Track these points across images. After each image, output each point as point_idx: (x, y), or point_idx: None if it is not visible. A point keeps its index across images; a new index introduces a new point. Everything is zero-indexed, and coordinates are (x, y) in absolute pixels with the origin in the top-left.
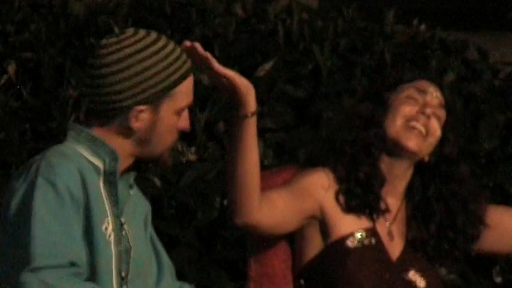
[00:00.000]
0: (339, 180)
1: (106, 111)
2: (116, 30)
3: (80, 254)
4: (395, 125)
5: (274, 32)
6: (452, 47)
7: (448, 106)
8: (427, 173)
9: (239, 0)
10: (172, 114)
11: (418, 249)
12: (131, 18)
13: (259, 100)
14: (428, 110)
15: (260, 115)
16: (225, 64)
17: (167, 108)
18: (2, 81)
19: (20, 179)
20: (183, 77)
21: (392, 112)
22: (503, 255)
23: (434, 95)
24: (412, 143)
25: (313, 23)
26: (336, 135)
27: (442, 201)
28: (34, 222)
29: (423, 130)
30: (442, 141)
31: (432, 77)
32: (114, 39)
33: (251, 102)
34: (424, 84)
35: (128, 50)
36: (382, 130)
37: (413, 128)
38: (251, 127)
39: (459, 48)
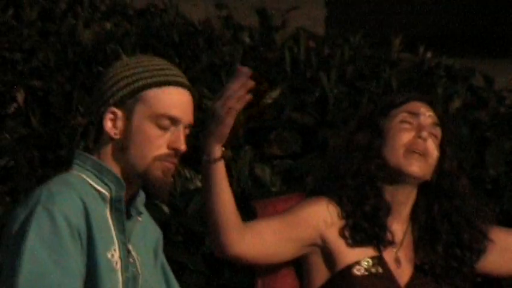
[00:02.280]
0: (344, 214)
1: (95, 128)
2: (124, 57)
3: (67, 284)
4: (395, 155)
5: (281, 60)
6: (458, 74)
7: (442, 122)
8: (430, 192)
9: (246, 29)
10: (146, 121)
11: (426, 273)
12: (139, 46)
13: (268, 127)
14: (424, 134)
15: (268, 142)
16: None
17: (139, 113)
18: (11, 109)
19: (22, 206)
20: (157, 84)
21: (390, 141)
22: (506, 277)
23: (427, 115)
24: (414, 168)
25: (320, 50)
26: (337, 168)
27: (447, 219)
28: (24, 252)
29: (422, 153)
30: (441, 157)
31: (422, 97)
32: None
33: (216, 149)
34: (415, 105)
35: (112, 64)
36: (382, 160)
37: (413, 152)
38: (218, 171)
39: (465, 75)
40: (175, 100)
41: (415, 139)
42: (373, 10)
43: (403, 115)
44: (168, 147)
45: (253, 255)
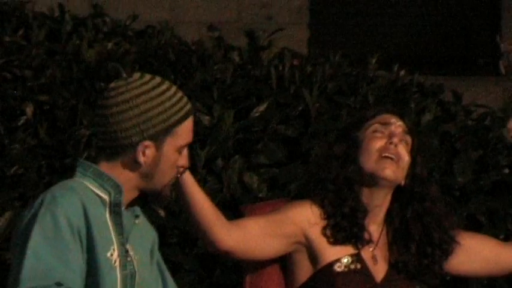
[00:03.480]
0: (326, 215)
1: (114, 147)
2: (124, 74)
3: (71, 278)
4: (370, 160)
5: (268, 77)
6: (429, 90)
7: (411, 131)
8: (404, 196)
9: (236, 48)
10: (174, 152)
11: (400, 271)
12: (138, 64)
13: (255, 138)
14: (395, 140)
15: (255, 152)
16: (223, 106)
17: (169, 146)
18: (21, 121)
19: (28, 209)
20: (184, 118)
21: (365, 148)
22: (471, 277)
23: (397, 125)
24: (388, 171)
25: (303, 68)
26: (318, 174)
27: (418, 221)
28: (28, 249)
29: (394, 158)
30: (412, 163)
31: (392, 109)
32: (122, 82)
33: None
34: (386, 117)
35: (135, 91)
36: (358, 166)
37: (386, 157)
38: (187, 180)
39: (435, 91)
40: (191, 127)
41: (387, 145)
42: (352, 32)
43: (375, 126)
44: (177, 165)
45: (242, 250)
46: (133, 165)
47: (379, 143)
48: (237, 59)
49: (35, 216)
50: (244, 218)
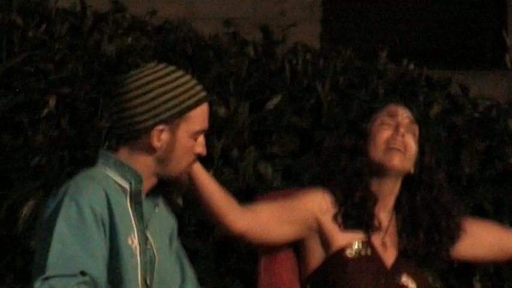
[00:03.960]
0: (337, 203)
1: (130, 133)
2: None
3: (94, 266)
4: (377, 151)
5: (282, 70)
6: (437, 84)
7: (418, 121)
8: (412, 185)
9: (251, 43)
10: (188, 137)
11: (409, 256)
12: (156, 58)
13: (270, 130)
14: (401, 130)
15: (270, 143)
16: (239, 99)
17: (183, 131)
18: (44, 113)
19: (53, 198)
20: (198, 103)
21: (372, 140)
22: (477, 263)
23: (404, 116)
24: (395, 161)
25: (316, 62)
26: (329, 166)
27: (426, 209)
28: (54, 237)
29: (402, 148)
30: (421, 152)
31: (399, 101)
32: (136, 71)
33: None
34: (393, 108)
35: (148, 78)
36: (367, 157)
37: (393, 148)
38: (196, 170)
39: (443, 84)
40: (206, 114)
41: (394, 135)
42: (363, 27)
43: (382, 118)
44: (194, 152)
45: (255, 233)
46: (150, 150)
47: (386, 134)
48: (252, 53)
49: (59, 205)
50: (257, 203)
